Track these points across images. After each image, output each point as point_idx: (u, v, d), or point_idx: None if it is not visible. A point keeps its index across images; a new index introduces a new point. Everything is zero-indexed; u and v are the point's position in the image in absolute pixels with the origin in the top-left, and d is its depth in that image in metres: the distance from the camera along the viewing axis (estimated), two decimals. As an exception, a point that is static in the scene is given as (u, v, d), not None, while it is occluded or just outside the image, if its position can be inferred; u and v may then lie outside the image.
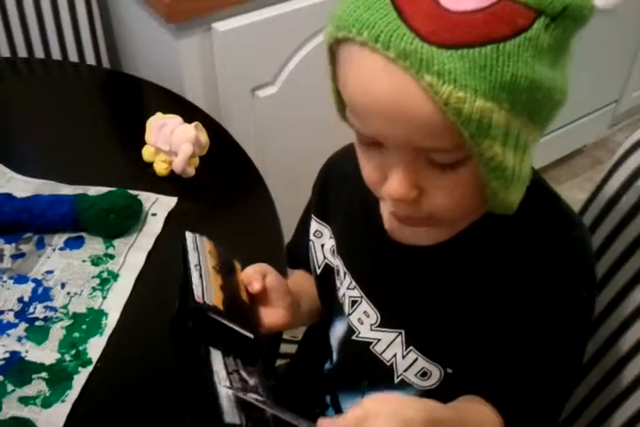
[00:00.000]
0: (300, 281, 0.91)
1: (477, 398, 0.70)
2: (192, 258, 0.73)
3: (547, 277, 0.68)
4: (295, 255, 0.95)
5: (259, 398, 0.65)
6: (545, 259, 0.68)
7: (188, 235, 0.76)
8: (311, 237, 0.87)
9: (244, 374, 0.69)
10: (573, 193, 2.12)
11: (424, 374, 0.75)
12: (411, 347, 0.75)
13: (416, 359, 0.75)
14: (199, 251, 0.74)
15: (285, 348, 1.04)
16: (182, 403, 0.65)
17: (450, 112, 0.53)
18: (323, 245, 0.86)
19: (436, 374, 0.74)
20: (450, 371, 0.74)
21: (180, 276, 0.72)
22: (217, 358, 0.68)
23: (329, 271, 0.85)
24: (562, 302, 0.69)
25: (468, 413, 0.68)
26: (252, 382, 0.68)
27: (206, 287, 0.70)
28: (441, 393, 0.74)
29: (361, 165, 0.65)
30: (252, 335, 0.71)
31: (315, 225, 0.87)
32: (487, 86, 0.52)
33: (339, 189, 0.83)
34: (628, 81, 2.21)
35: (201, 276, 0.71)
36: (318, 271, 0.87)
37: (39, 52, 1.54)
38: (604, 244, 0.85)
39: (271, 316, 0.76)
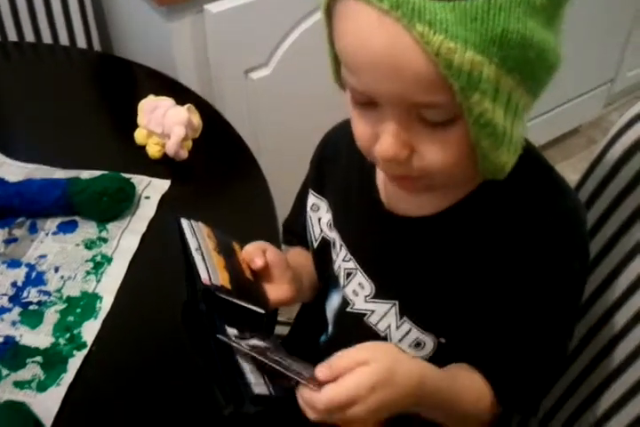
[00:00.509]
0: (298, 258, 0.92)
1: (468, 366, 0.72)
2: (192, 243, 0.73)
3: (539, 247, 0.69)
4: (291, 232, 0.96)
5: (278, 358, 0.65)
6: (538, 229, 0.69)
7: (184, 221, 0.75)
8: (308, 211, 0.88)
9: (262, 345, 0.69)
10: (568, 173, 2.10)
11: (418, 345, 0.76)
12: (405, 317, 0.76)
13: (410, 330, 0.76)
14: (197, 235, 0.74)
15: (281, 330, 1.04)
16: (210, 383, 0.64)
17: (441, 63, 0.54)
18: (320, 219, 0.86)
19: (429, 344, 0.75)
20: (443, 341, 0.75)
21: (183, 262, 0.72)
22: (234, 336, 0.69)
23: (325, 245, 0.85)
24: (554, 271, 0.69)
25: (460, 379, 0.70)
26: (271, 351, 0.69)
27: (211, 269, 0.71)
28: (434, 363, 0.74)
29: (353, 127, 0.66)
30: (263, 311, 0.72)
31: (312, 199, 0.88)
32: (478, 38, 0.53)
33: (335, 163, 0.84)
34: (622, 60, 2.20)
35: (203, 258, 0.71)
36: (315, 245, 0.87)
37: (29, 36, 1.53)
38: (598, 222, 0.85)
39: (276, 291, 0.77)
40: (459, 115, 0.58)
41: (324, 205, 0.86)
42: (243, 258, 0.77)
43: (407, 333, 0.76)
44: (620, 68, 2.22)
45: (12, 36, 1.52)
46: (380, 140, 0.61)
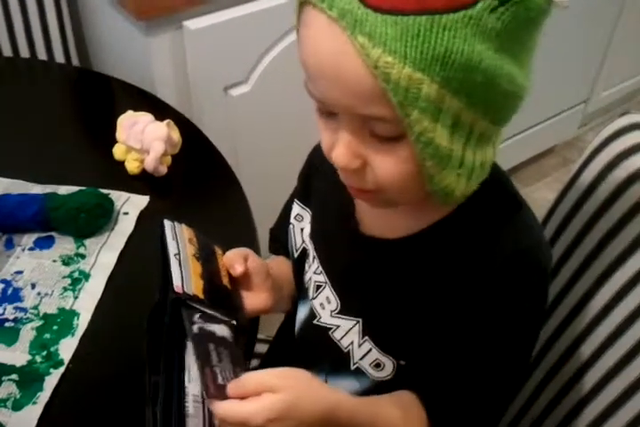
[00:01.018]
0: (281, 266, 0.92)
1: (409, 395, 0.72)
2: (171, 247, 0.72)
3: (496, 283, 0.68)
4: (277, 239, 0.96)
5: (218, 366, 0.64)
6: (497, 264, 0.68)
7: (167, 223, 0.75)
8: (292, 220, 0.88)
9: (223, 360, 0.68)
10: (544, 193, 2.14)
11: (378, 365, 0.76)
12: (366, 337, 0.76)
13: (370, 350, 0.76)
14: (178, 239, 0.73)
15: (261, 348, 1.04)
16: (146, 399, 0.64)
17: (379, 76, 0.54)
18: (302, 229, 0.87)
19: (389, 366, 0.75)
20: (403, 363, 0.75)
21: (160, 264, 0.71)
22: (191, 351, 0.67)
23: (305, 256, 0.86)
24: (506, 308, 0.69)
25: (383, 414, 0.69)
26: (220, 358, 0.66)
27: (186, 277, 0.70)
28: (395, 385, 0.75)
29: (320, 135, 0.66)
30: (234, 321, 0.71)
31: (296, 209, 0.88)
32: (417, 56, 0.53)
33: (320, 175, 0.84)
34: (597, 81, 2.24)
35: (180, 265, 0.70)
36: (296, 255, 0.88)
37: (7, 50, 1.52)
38: (573, 241, 0.86)
39: (254, 299, 0.77)
40: (405, 131, 0.58)
41: (307, 215, 0.86)
42: (223, 263, 0.77)
43: (368, 352, 0.76)
44: (595, 89, 2.26)
45: (-10, 50, 1.51)
46: (335, 148, 0.62)
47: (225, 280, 0.75)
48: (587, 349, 0.84)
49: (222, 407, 0.59)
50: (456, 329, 0.70)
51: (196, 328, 0.65)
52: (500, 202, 0.71)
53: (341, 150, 0.62)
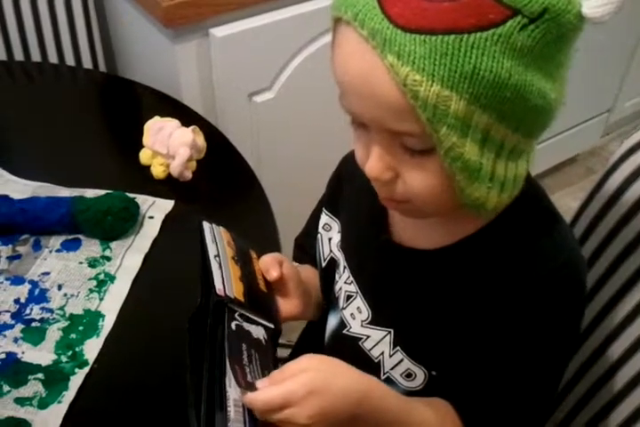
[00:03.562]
0: (309, 274, 0.92)
1: (445, 403, 0.72)
2: (211, 249, 0.72)
3: (531, 297, 0.68)
4: (302, 249, 0.96)
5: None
6: (532, 278, 0.68)
7: (206, 225, 0.75)
8: (320, 229, 0.88)
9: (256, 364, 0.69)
10: (567, 201, 2.13)
11: (409, 375, 0.76)
12: (398, 347, 0.76)
13: (401, 360, 0.76)
14: (217, 241, 0.74)
15: (281, 352, 1.04)
16: (189, 400, 0.64)
17: (408, 94, 0.55)
18: (330, 239, 0.87)
19: (420, 376, 0.75)
20: (434, 373, 0.74)
21: (200, 266, 0.72)
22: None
23: (333, 265, 0.86)
24: (541, 322, 0.68)
25: (417, 409, 0.69)
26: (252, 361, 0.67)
27: (227, 279, 0.70)
28: (426, 395, 0.74)
29: (354, 146, 0.67)
30: (272, 325, 0.72)
31: (324, 218, 0.88)
32: (445, 73, 0.54)
33: (350, 184, 0.85)
34: (620, 90, 2.23)
35: (221, 267, 0.71)
36: (323, 264, 0.88)
37: (36, 56, 1.54)
38: (597, 250, 0.86)
39: (287, 305, 0.79)
40: (435, 146, 0.59)
41: (335, 225, 0.86)
42: (258, 268, 0.77)
43: (399, 362, 0.76)
44: (618, 98, 2.25)
45: (19, 55, 1.53)
46: (368, 161, 0.63)
47: (261, 284, 0.76)
48: (614, 352, 0.84)
49: (262, 393, 0.61)
50: (489, 341, 0.69)
51: (234, 326, 0.66)
52: (537, 216, 0.71)
53: (374, 163, 0.62)
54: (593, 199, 0.87)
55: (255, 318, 0.71)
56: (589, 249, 0.87)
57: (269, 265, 0.78)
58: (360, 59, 0.57)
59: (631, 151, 0.81)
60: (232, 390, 0.61)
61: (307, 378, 0.61)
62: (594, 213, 0.86)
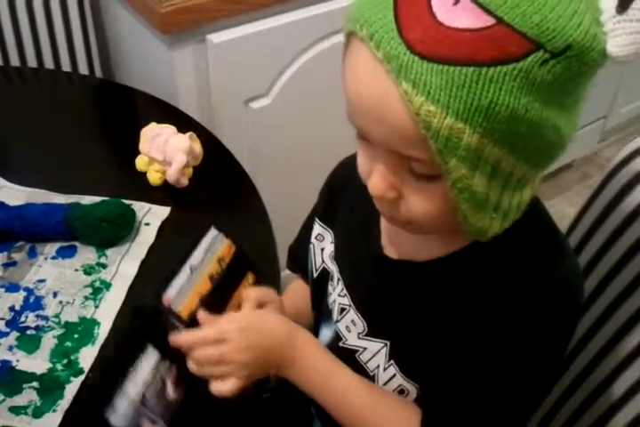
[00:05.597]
0: (296, 301, 0.91)
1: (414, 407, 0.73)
2: (194, 258, 0.72)
3: (522, 312, 0.67)
4: (295, 256, 0.95)
5: (151, 416, 0.67)
6: (524, 293, 0.67)
7: (212, 232, 0.74)
8: (312, 240, 0.88)
9: (168, 383, 0.69)
10: (562, 207, 2.13)
11: (402, 392, 0.75)
12: (392, 360, 0.75)
13: (394, 375, 0.75)
14: (208, 253, 0.73)
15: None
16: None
17: (420, 124, 0.53)
18: (323, 250, 0.86)
19: (413, 393, 0.75)
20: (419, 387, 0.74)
21: (174, 266, 0.71)
22: (152, 358, 0.69)
23: (325, 276, 0.85)
24: (530, 338, 0.67)
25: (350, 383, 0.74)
26: (169, 396, 0.69)
27: (183, 292, 0.69)
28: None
29: (357, 157, 0.66)
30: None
31: (317, 229, 0.87)
32: (461, 107, 0.52)
33: (344, 195, 0.84)
34: (616, 97, 2.23)
35: (189, 279, 0.70)
36: (315, 275, 0.87)
37: (32, 62, 1.54)
38: (594, 257, 0.86)
39: None
40: (442, 174, 0.57)
41: (329, 236, 0.86)
42: (241, 293, 0.76)
43: (391, 377, 0.75)
44: (614, 105, 2.26)
45: (15, 61, 1.53)
46: (371, 177, 0.62)
47: (230, 308, 0.75)
48: (610, 362, 0.84)
49: (199, 331, 0.68)
50: (476, 353, 0.68)
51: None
52: (535, 230, 0.70)
53: (378, 181, 0.61)
54: (590, 206, 0.87)
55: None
56: (587, 256, 0.87)
57: (248, 299, 0.76)
58: (373, 80, 0.55)
59: (630, 158, 0.81)
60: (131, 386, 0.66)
61: (240, 315, 0.73)
62: (592, 220, 0.86)
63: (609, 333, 0.84)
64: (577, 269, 0.74)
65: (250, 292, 0.77)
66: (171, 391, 0.69)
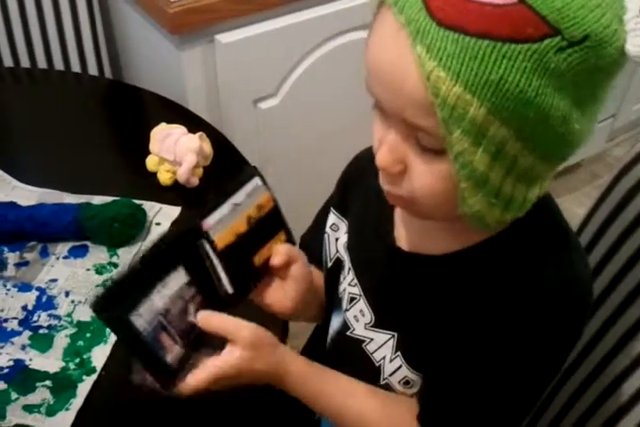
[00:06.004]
0: (318, 279, 0.91)
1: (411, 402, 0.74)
2: (238, 197, 0.71)
3: (527, 312, 0.67)
4: (306, 247, 0.95)
5: (172, 332, 0.66)
6: (532, 293, 0.67)
7: (255, 181, 0.74)
8: (327, 229, 0.88)
9: (191, 310, 0.68)
10: (571, 207, 2.12)
11: (407, 383, 0.76)
12: (398, 352, 0.76)
13: (400, 366, 0.75)
14: (249, 198, 0.72)
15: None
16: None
17: (430, 89, 0.54)
18: (337, 239, 0.87)
19: (418, 383, 0.75)
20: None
21: (213, 201, 0.70)
22: (180, 279, 0.67)
23: (338, 266, 0.85)
24: (540, 336, 0.67)
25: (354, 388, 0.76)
26: (188, 318, 0.68)
27: (223, 224, 0.69)
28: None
29: (372, 128, 0.66)
30: (231, 290, 0.71)
31: (332, 218, 0.88)
32: (471, 77, 0.53)
33: (359, 186, 0.84)
34: (625, 96, 2.22)
35: (229, 214, 0.70)
36: (329, 264, 0.88)
37: (42, 62, 1.55)
38: (604, 256, 0.86)
39: (275, 301, 0.77)
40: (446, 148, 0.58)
41: (343, 225, 0.86)
42: (272, 247, 0.76)
43: (397, 369, 0.76)
44: (623, 104, 2.25)
45: (25, 62, 1.54)
46: (380, 148, 0.63)
47: (257, 259, 0.74)
48: (620, 362, 0.84)
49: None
50: (484, 351, 0.69)
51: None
52: (548, 230, 0.70)
53: (385, 152, 0.62)
54: (600, 205, 0.87)
55: (217, 269, 0.70)
56: (597, 255, 0.86)
57: (279, 253, 0.76)
58: (392, 44, 0.56)
59: (639, 157, 0.81)
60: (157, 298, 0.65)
61: (231, 362, 0.69)
62: (602, 220, 0.86)
63: (619, 332, 0.84)
64: (587, 269, 0.74)
65: (280, 247, 0.77)
66: (192, 318, 0.69)
